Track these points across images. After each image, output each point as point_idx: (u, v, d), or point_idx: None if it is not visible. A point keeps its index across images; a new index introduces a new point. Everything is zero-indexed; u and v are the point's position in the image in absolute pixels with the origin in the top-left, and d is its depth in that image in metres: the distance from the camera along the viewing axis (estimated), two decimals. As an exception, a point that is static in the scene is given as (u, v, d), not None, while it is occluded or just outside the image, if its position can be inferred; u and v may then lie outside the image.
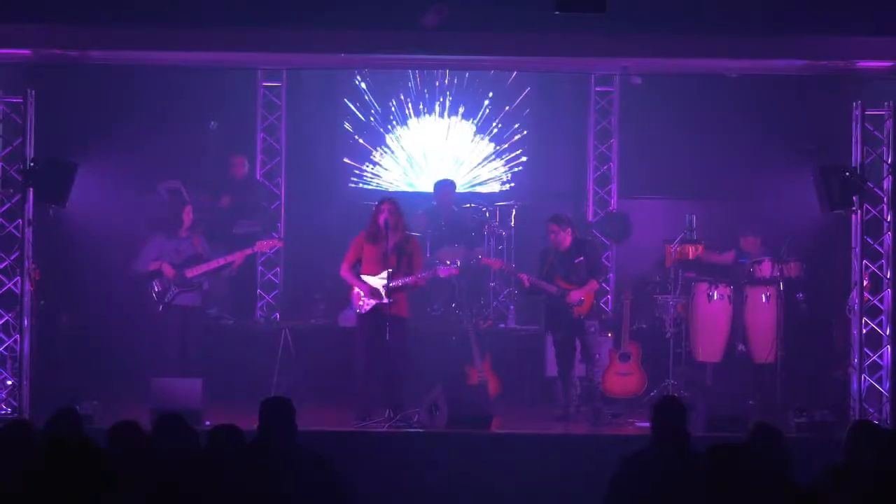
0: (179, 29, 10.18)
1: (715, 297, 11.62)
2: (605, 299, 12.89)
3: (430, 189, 13.32)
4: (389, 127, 13.67)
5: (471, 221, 12.80)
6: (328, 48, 10.80)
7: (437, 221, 12.67)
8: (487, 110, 13.64)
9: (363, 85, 13.53)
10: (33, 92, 9.97)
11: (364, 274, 10.28)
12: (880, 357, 10.24)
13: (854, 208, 10.22)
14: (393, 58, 11.62)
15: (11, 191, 10.09)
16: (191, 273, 10.91)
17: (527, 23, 9.85)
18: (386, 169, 13.72)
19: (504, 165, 13.74)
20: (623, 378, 11.39)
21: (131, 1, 9.99)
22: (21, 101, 9.99)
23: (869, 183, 10.22)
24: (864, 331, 10.23)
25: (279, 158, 13.42)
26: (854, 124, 10.21)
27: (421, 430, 9.82)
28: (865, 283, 10.29)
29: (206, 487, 5.63)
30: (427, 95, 13.66)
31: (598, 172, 13.49)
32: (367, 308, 10.18)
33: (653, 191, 13.39)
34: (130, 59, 11.21)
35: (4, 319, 10.19)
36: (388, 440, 9.59)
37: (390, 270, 10.10)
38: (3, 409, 10.03)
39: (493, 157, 13.74)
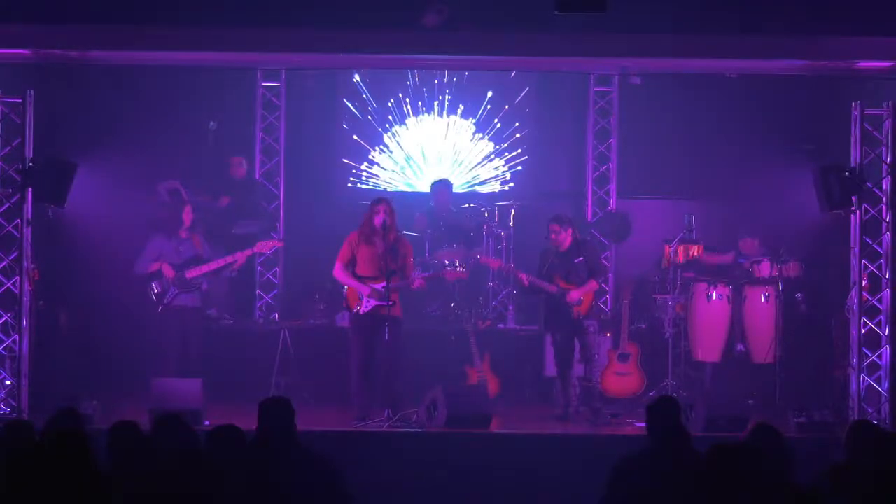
0: (179, 29, 10.17)
1: (714, 297, 11.62)
2: (604, 299, 12.89)
3: (427, 189, 13.33)
4: (388, 125, 13.66)
5: (469, 222, 12.80)
6: (328, 48, 10.80)
7: (435, 222, 12.67)
8: (489, 107, 13.62)
9: (362, 83, 13.50)
10: (32, 92, 9.96)
11: (360, 274, 10.26)
12: (879, 357, 10.24)
13: (853, 208, 10.22)
14: (393, 58, 11.63)
15: (10, 191, 10.08)
16: (190, 274, 10.91)
17: (527, 23, 9.86)
18: (384, 169, 13.72)
19: (504, 165, 13.74)
20: (622, 378, 11.39)
21: (131, 1, 9.99)
22: (21, 101, 9.97)
23: (868, 183, 10.22)
24: (863, 331, 10.24)
25: (278, 158, 13.42)
26: (853, 124, 10.21)
27: (420, 430, 9.82)
28: (864, 282, 10.29)
29: (205, 487, 5.64)
30: (426, 94, 13.67)
31: (598, 172, 13.50)
32: (367, 309, 10.17)
33: (652, 191, 13.39)
34: (130, 59, 11.22)
35: (3, 319, 10.18)
36: (388, 440, 9.58)
37: (392, 271, 10.09)
38: (2, 409, 10.03)
39: (493, 156, 13.74)
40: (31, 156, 9.95)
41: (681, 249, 11.81)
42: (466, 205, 13.09)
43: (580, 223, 12.28)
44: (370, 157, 13.65)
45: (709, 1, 9.98)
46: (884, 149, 10.20)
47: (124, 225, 11.85)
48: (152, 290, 10.89)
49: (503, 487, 8.94)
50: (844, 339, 10.67)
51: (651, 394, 11.28)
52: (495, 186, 13.73)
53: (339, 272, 10.38)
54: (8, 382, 10.14)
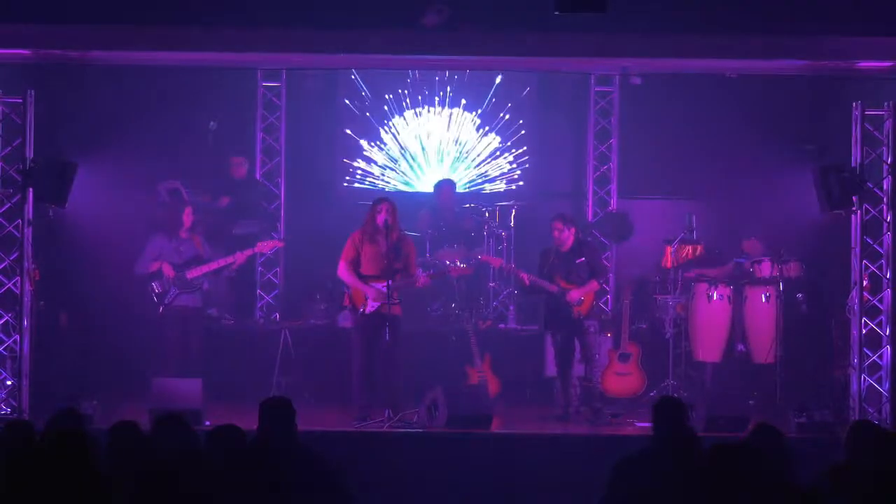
0: (179, 29, 10.17)
1: (714, 298, 11.62)
2: (604, 299, 12.89)
3: (429, 189, 13.33)
4: (385, 120, 13.65)
5: (470, 222, 12.80)
6: (328, 48, 10.80)
7: (436, 222, 12.67)
8: (493, 100, 13.62)
9: (360, 80, 13.49)
10: (33, 92, 9.96)
11: (364, 274, 10.26)
12: (880, 357, 10.24)
13: (854, 208, 10.22)
14: (393, 58, 11.62)
15: (11, 191, 10.08)
16: (191, 274, 10.91)
17: (527, 23, 9.85)
18: (378, 165, 13.71)
19: (512, 163, 13.73)
20: (622, 378, 11.38)
21: (131, 1, 9.99)
22: (21, 101, 9.97)
23: (868, 183, 10.21)
24: (864, 331, 10.23)
25: (279, 158, 13.42)
26: (854, 124, 10.20)
27: (420, 431, 9.81)
28: (865, 283, 10.28)
29: (205, 487, 5.63)
30: (427, 92, 13.67)
31: (598, 172, 13.49)
32: (372, 309, 10.17)
33: (652, 191, 13.39)
34: (130, 59, 11.22)
35: (4, 319, 10.18)
36: (388, 440, 9.58)
37: (396, 271, 10.09)
38: (2, 409, 10.03)
39: (498, 153, 13.74)
40: (32, 156, 9.95)
41: (681, 249, 11.82)
42: (467, 205, 13.09)
43: (581, 223, 12.29)
44: (364, 153, 13.62)
45: (709, 1, 9.97)
46: (884, 149, 10.19)
47: (125, 225, 11.85)
48: (153, 290, 10.89)
49: (503, 487, 8.94)
50: (845, 340, 10.66)
51: (651, 394, 11.28)
52: (501, 186, 13.72)
53: (343, 272, 10.38)
54: (9, 382, 10.14)
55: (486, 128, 13.70)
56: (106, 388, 10.52)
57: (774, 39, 10.32)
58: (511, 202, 13.10)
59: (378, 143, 13.66)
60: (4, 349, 10.19)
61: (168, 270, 10.86)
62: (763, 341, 11.43)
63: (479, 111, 13.65)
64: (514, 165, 13.71)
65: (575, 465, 8.85)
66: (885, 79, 11.00)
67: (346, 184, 13.62)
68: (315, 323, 12.32)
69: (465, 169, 13.76)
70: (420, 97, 13.66)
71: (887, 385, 10.14)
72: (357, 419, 10.00)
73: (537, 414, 10.96)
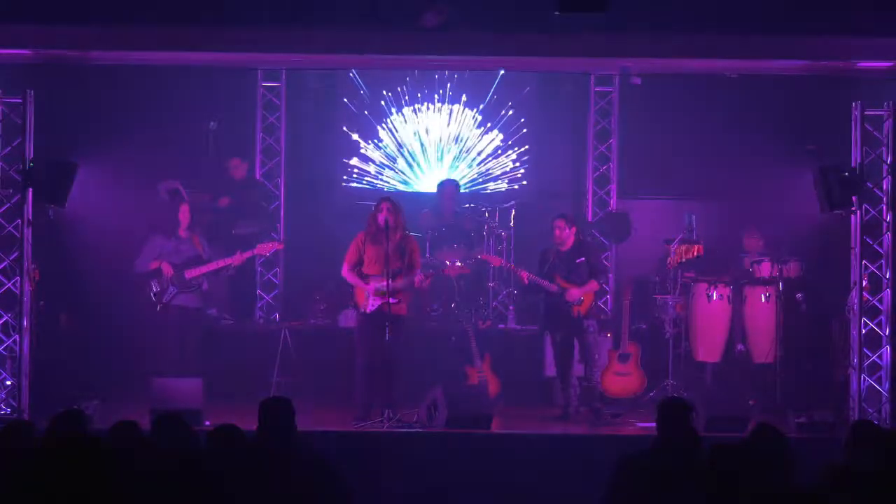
0: (179, 29, 10.17)
1: (714, 297, 11.62)
2: (604, 299, 12.89)
3: (428, 188, 13.33)
4: (385, 121, 13.66)
5: (470, 222, 12.80)
6: (328, 48, 10.80)
7: (437, 222, 12.67)
8: (495, 97, 13.62)
9: (358, 77, 13.49)
10: (32, 92, 9.96)
11: (367, 274, 10.26)
12: (879, 357, 10.24)
13: (853, 208, 10.22)
14: (393, 58, 11.63)
15: (11, 191, 10.08)
16: (190, 274, 10.91)
17: (527, 23, 9.86)
18: (381, 166, 13.71)
19: (515, 161, 13.73)
20: (622, 378, 11.38)
21: (131, 1, 9.99)
22: (21, 101, 9.97)
23: (868, 183, 10.22)
24: (864, 331, 10.23)
25: (278, 158, 13.42)
26: (853, 124, 10.20)
27: (420, 430, 9.81)
28: (865, 283, 10.29)
29: (205, 487, 5.63)
30: (426, 90, 13.68)
31: (598, 172, 13.50)
32: (373, 308, 10.17)
33: (653, 191, 13.39)
34: (130, 59, 11.21)
35: (4, 319, 10.18)
36: (388, 440, 9.58)
37: (396, 270, 10.09)
38: (2, 410, 10.03)
39: (500, 151, 13.74)
40: (32, 156, 9.95)
41: (681, 250, 11.83)
42: (467, 205, 13.10)
43: (581, 223, 12.29)
44: (360, 150, 13.62)
45: (709, 1, 9.97)
46: (884, 149, 10.20)
47: (124, 225, 11.85)
48: (151, 288, 10.89)
49: (503, 487, 8.94)
50: (845, 340, 10.66)
51: (651, 394, 11.28)
52: (503, 185, 13.72)
53: (345, 272, 10.39)
54: (9, 383, 10.13)
55: (489, 124, 13.71)
56: (106, 388, 10.52)
57: (774, 39, 10.32)
58: (511, 202, 13.10)
59: (375, 140, 13.66)
60: (4, 349, 10.18)
61: (167, 269, 10.86)
62: (763, 341, 11.44)
63: (482, 106, 13.65)
64: (518, 164, 13.71)
65: (575, 465, 8.85)
66: (885, 79, 11.00)
67: (343, 183, 13.63)
68: (315, 323, 12.33)
69: (467, 167, 13.77)
70: (419, 94, 13.67)
71: (887, 385, 10.14)
72: (357, 419, 10.00)
73: (537, 414, 10.96)
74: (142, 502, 5.49)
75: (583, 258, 10.80)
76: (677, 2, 9.93)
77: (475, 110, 13.69)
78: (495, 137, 13.74)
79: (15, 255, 10.03)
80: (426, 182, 13.67)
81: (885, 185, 10.20)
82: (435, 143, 13.77)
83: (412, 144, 13.76)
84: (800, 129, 12.49)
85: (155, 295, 10.88)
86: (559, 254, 10.81)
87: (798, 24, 9.98)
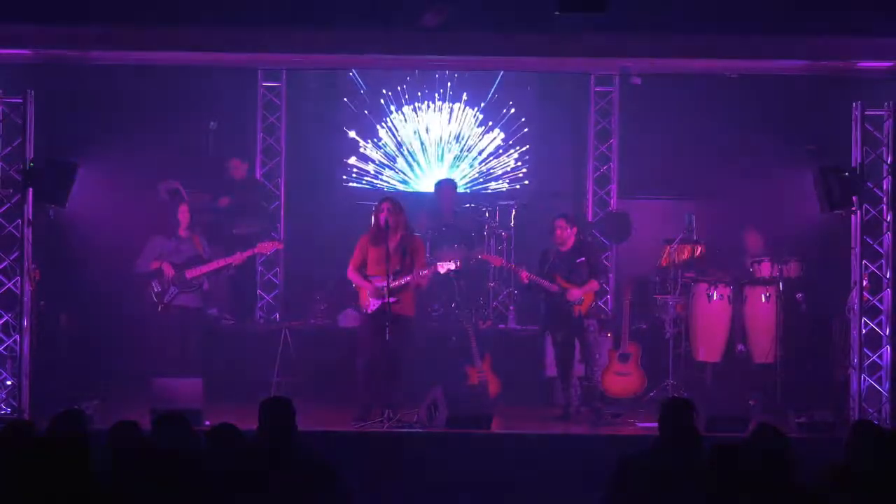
0: (179, 29, 10.17)
1: (714, 297, 11.62)
2: (604, 299, 12.89)
3: (428, 188, 13.33)
4: (384, 119, 13.65)
5: (471, 222, 12.80)
6: (328, 48, 10.80)
7: (437, 222, 12.67)
8: (496, 96, 13.62)
9: (358, 76, 13.50)
10: (33, 92, 9.96)
11: (369, 274, 10.26)
12: (880, 357, 10.24)
13: (854, 208, 10.22)
14: (393, 58, 11.63)
15: (11, 191, 10.08)
16: (191, 274, 10.91)
17: (527, 23, 9.85)
18: (381, 166, 13.71)
19: (517, 160, 13.74)
20: (623, 378, 11.38)
21: (131, 1, 9.99)
22: (21, 101, 9.97)
23: (868, 183, 10.22)
24: (864, 331, 10.23)
25: (279, 158, 13.42)
26: (854, 124, 10.20)
27: (420, 431, 9.81)
28: (865, 283, 10.29)
29: (205, 487, 5.64)
30: (426, 90, 13.68)
31: (598, 172, 13.50)
32: (373, 308, 10.17)
33: (653, 191, 13.40)
34: (130, 59, 11.22)
35: (4, 319, 10.18)
36: (388, 440, 9.57)
37: (396, 270, 10.09)
38: (2, 409, 10.03)
39: (501, 150, 13.75)
40: (32, 156, 9.95)
41: (681, 250, 11.83)
42: (467, 205, 13.10)
43: (581, 223, 12.29)
44: (360, 149, 13.62)
45: (709, 1, 9.97)
46: (884, 149, 10.20)
47: (125, 225, 11.85)
48: (152, 289, 10.89)
49: (503, 487, 8.93)
50: (845, 340, 10.66)
51: (651, 394, 11.28)
52: (504, 185, 13.72)
53: (350, 274, 10.40)
54: (9, 382, 10.13)
55: (490, 123, 13.71)
56: (106, 388, 10.52)
57: (774, 39, 10.32)
58: (511, 202, 13.10)
59: (375, 140, 13.66)
60: (4, 349, 10.19)
61: (168, 269, 10.87)
62: (763, 341, 11.44)
63: (483, 104, 13.65)
64: (520, 163, 13.71)
65: (575, 465, 8.84)
66: (885, 79, 11.00)
67: (344, 183, 13.63)
68: (315, 323, 12.33)
69: (468, 167, 13.77)
70: (420, 93, 13.68)
71: (887, 385, 10.14)
72: (356, 418, 9.99)
73: (537, 414, 10.95)
74: (142, 502, 5.50)
75: (583, 258, 10.80)
76: (677, 2, 9.92)
77: (476, 109, 13.70)
78: (496, 136, 13.74)
79: (15, 255, 10.03)
80: (426, 182, 13.67)
81: (886, 185, 10.20)
82: (435, 142, 13.78)
83: (412, 143, 13.76)
84: (800, 129, 12.49)
85: (156, 295, 10.88)
86: (559, 254, 10.81)
87: (798, 24, 9.98)
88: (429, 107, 13.73)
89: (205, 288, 11.10)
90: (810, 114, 12.24)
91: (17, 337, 10.01)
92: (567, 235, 10.81)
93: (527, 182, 13.72)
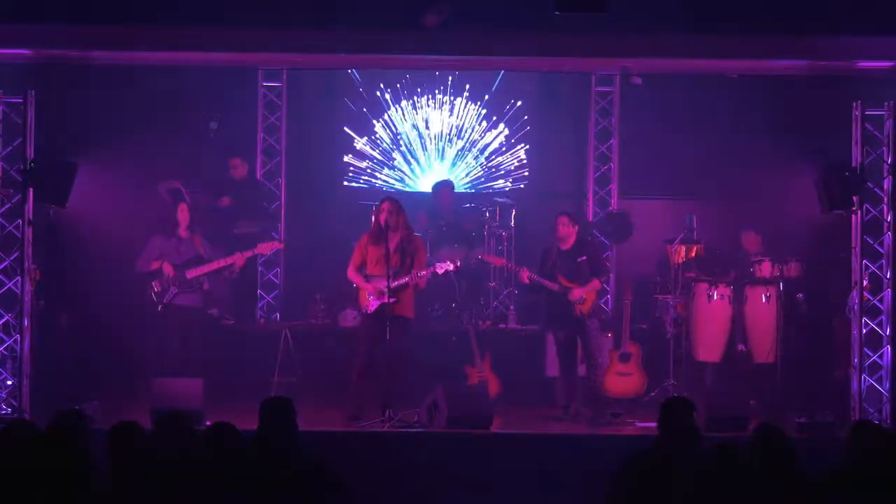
0: (180, 29, 10.18)
1: (715, 297, 11.62)
2: (604, 299, 12.89)
3: (429, 188, 13.33)
4: (383, 116, 13.65)
5: (470, 222, 12.80)
6: (328, 48, 10.80)
7: (436, 222, 12.67)
8: (497, 94, 13.61)
9: (357, 74, 13.50)
10: (33, 92, 9.96)
11: (369, 274, 10.26)
12: (880, 357, 10.24)
13: (854, 208, 10.22)
14: (393, 58, 11.63)
15: (11, 191, 10.09)
16: (191, 274, 10.90)
17: (527, 23, 9.85)
18: (379, 164, 13.71)
19: (521, 160, 13.74)
20: (623, 378, 11.38)
21: (131, 1, 9.99)
22: (21, 101, 9.97)
23: (869, 183, 10.22)
24: (864, 331, 10.23)
25: (279, 158, 13.42)
26: (854, 124, 10.20)
27: (420, 431, 9.81)
28: (865, 283, 10.29)
29: (206, 487, 5.64)
30: (425, 87, 13.68)
31: (598, 172, 13.51)
32: (372, 308, 10.16)
33: (653, 191, 13.40)
34: (130, 59, 11.22)
35: (4, 319, 10.19)
36: (388, 440, 9.57)
37: (396, 270, 10.09)
38: (3, 409, 10.03)
39: (504, 149, 13.75)
40: (32, 156, 9.95)
41: (681, 250, 11.83)
42: (467, 205, 13.10)
43: (581, 223, 12.29)
44: (355, 145, 13.61)
45: (709, 1, 9.97)
46: (885, 149, 10.20)
47: (125, 225, 11.85)
48: (152, 289, 10.89)
49: (503, 487, 8.93)
50: (845, 340, 10.66)
51: (652, 394, 11.28)
52: (507, 185, 13.72)
53: (350, 274, 10.39)
54: (9, 382, 10.15)
55: (494, 118, 13.71)
56: (106, 388, 10.52)
57: (774, 39, 10.32)
58: (511, 202, 13.10)
59: (373, 137, 13.66)
60: (4, 349, 10.19)
61: (168, 269, 10.87)
62: (763, 341, 11.43)
63: (486, 98, 13.64)
64: (525, 160, 13.71)
65: (575, 465, 8.84)
66: (885, 79, 11.00)
67: (345, 183, 13.63)
68: (315, 323, 12.33)
69: (472, 161, 13.76)
70: (419, 89, 13.68)
71: (887, 385, 10.14)
72: (349, 418, 9.98)
73: (538, 414, 10.94)
74: (142, 502, 5.50)
75: (584, 257, 10.80)
76: (677, 2, 9.93)
77: (478, 104, 13.70)
78: (500, 132, 13.74)
79: (15, 255, 10.04)
80: (425, 181, 13.66)
81: (886, 184, 10.20)
82: (436, 138, 13.77)
83: (412, 140, 13.75)
84: (800, 129, 12.49)
85: (156, 295, 10.88)
86: (561, 252, 10.80)
87: (798, 24, 9.98)
88: (428, 103, 13.72)
89: (205, 288, 11.09)
90: (810, 114, 12.24)
91: (17, 337, 10.02)
92: (569, 233, 10.81)
93: (527, 182, 13.71)
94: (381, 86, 13.62)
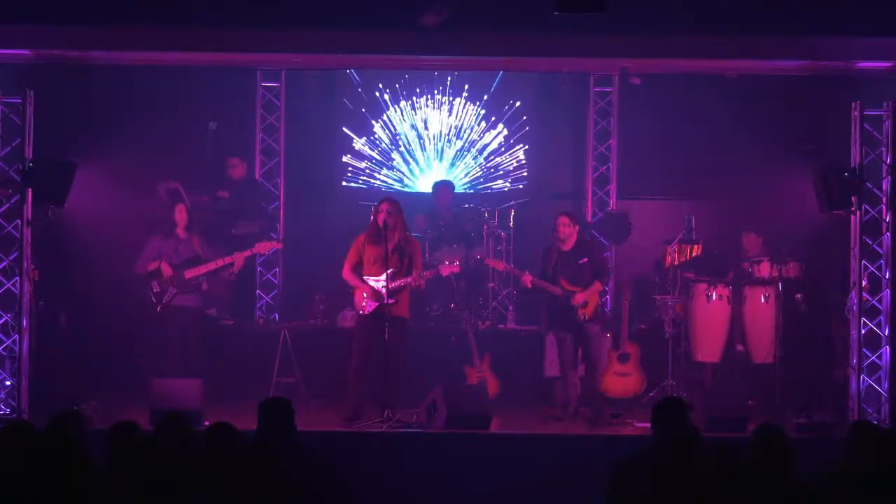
0: (180, 29, 10.18)
1: (714, 298, 11.62)
2: (604, 300, 12.88)
3: (428, 188, 13.33)
4: (381, 117, 13.66)
5: (469, 222, 12.79)
6: (328, 48, 10.81)
7: (436, 222, 12.67)
8: (496, 94, 13.61)
9: (356, 74, 13.51)
10: (32, 92, 9.96)
11: (366, 275, 10.25)
12: (879, 357, 10.25)
13: (853, 209, 10.22)
14: (393, 58, 11.63)
15: (10, 191, 10.08)
16: (189, 274, 10.89)
17: (527, 23, 9.86)
18: (378, 164, 13.71)
19: (521, 160, 13.74)
20: (622, 378, 11.38)
21: (131, 1, 9.99)
22: (20, 101, 9.97)
23: (868, 183, 10.22)
24: (863, 331, 10.24)
25: (278, 159, 13.42)
26: (853, 125, 10.20)
27: (420, 431, 9.81)
28: (864, 283, 10.29)
29: (205, 488, 5.64)
30: (424, 87, 13.69)
31: (598, 173, 13.50)
32: (370, 309, 10.16)
33: (652, 191, 13.40)
34: (130, 59, 11.23)
35: (3, 320, 10.18)
36: (388, 440, 9.57)
37: (392, 271, 10.08)
38: (2, 409, 10.03)
39: (503, 148, 13.75)
40: (31, 156, 9.95)
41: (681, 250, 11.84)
42: (466, 205, 13.09)
43: (581, 223, 12.29)
44: (354, 145, 13.62)
45: (709, 1, 9.98)
46: (883, 149, 10.20)
47: (124, 225, 11.85)
48: (151, 289, 10.89)
49: (503, 487, 8.93)
50: (844, 340, 10.66)
51: (651, 394, 11.28)
52: (506, 185, 13.73)
53: (345, 274, 10.38)
54: (8, 383, 10.14)
55: (493, 118, 13.72)
56: (105, 389, 10.52)
57: (774, 39, 10.33)
58: (511, 202, 13.10)
59: (372, 138, 13.66)
60: (4, 349, 10.19)
61: (166, 269, 10.86)
62: (763, 341, 11.43)
63: (484, 98, 13.65)
64: (524, 161, 13.71)
65: (575, 465, 8.84)
66: (885, 79, 11.01)
67: (344, 183, 13.63)
68: (315, 323, 12.33)
69: (471, 161, 13.76)
70: (418, 89, 13.69)
71: (886, 385, 10.14)
72: (346, 419, 9.98)
73: (537, 414, 10.95)
74: (141, 502, 5.50)
75: (585, 258, 10.78)
76: (677, 2, 9.93)
77: (477, 104, 13.70)
78: (499, 133, 13.74)
79: (14, 255, 10.03)
80: (425, 181, 13.66)
81: (885, 185, 10.21)
82: (434, 138, 13.77)
83: (411, 140, 13.75)
84: (800, 129, 12.50)
85: (155, 295, 10.88)
86: (562, 253, 10.77)
87: (798, 24, 9.98)
88: (427, 103, 13.72)
89: (204, 288, 11.08)
90: (810, 114, 12.25)
91: (17, 337, 10.01)
92: (569, 233, 10.79)
93: (526, 182, 13.71)
94: (380, 86, 13.63)
